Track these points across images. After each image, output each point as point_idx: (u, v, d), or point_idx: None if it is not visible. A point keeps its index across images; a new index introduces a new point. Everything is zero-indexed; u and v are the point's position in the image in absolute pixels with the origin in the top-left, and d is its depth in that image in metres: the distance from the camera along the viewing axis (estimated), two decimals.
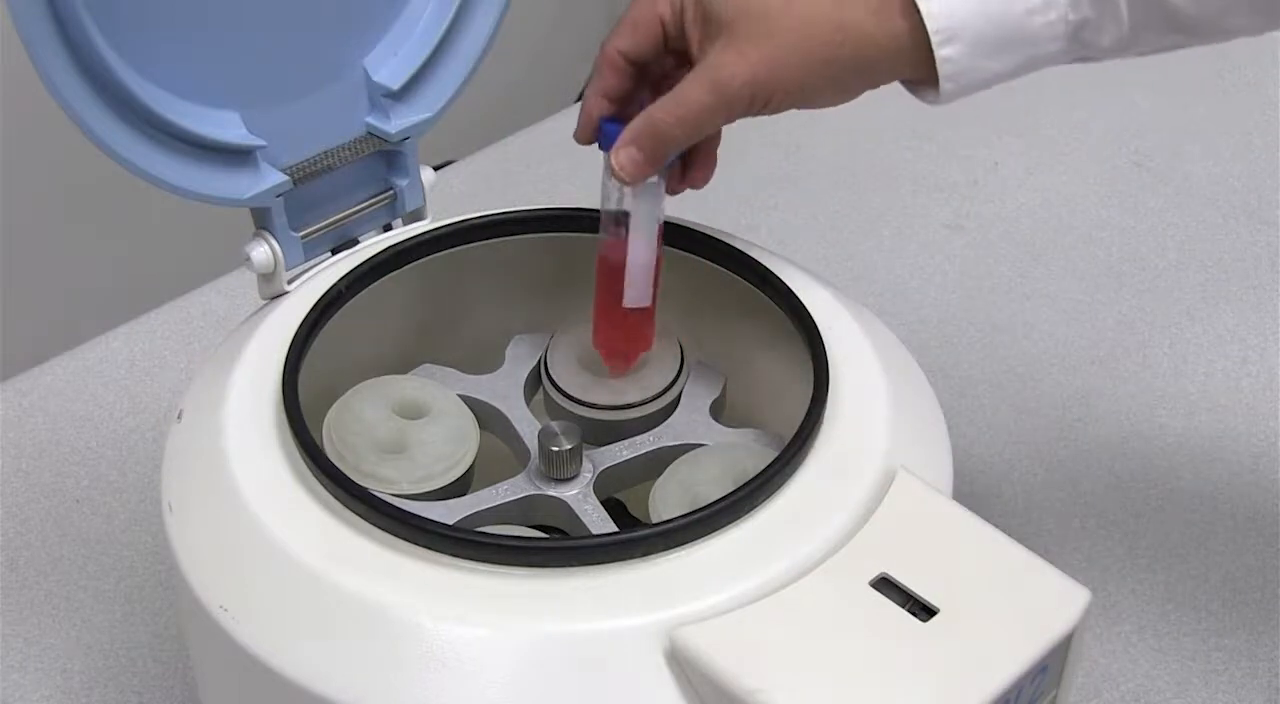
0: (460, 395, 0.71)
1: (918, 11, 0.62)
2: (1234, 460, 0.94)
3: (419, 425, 0.69)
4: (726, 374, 0.72)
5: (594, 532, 0.64)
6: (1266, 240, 1.11)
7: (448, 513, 0.65)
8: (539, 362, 0.73)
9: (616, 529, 0.64)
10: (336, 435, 0.67)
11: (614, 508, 0.69)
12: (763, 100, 0.64)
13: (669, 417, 0.71)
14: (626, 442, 0.69)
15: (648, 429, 0.70)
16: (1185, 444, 0.95)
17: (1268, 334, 1.03)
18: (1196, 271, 1.09)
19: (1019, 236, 1.13)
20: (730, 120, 0.65)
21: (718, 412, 0.71)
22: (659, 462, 0.68)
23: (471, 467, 0.68)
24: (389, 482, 0.66)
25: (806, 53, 0.63)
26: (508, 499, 0.66)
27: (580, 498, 0.66)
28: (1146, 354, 1.02)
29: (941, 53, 0.63)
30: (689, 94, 0.64)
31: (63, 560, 0.88)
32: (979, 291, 1.08)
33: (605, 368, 0.71)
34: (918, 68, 0.64)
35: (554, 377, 0.71)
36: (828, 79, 0.64)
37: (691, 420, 0.70)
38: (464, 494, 0.67)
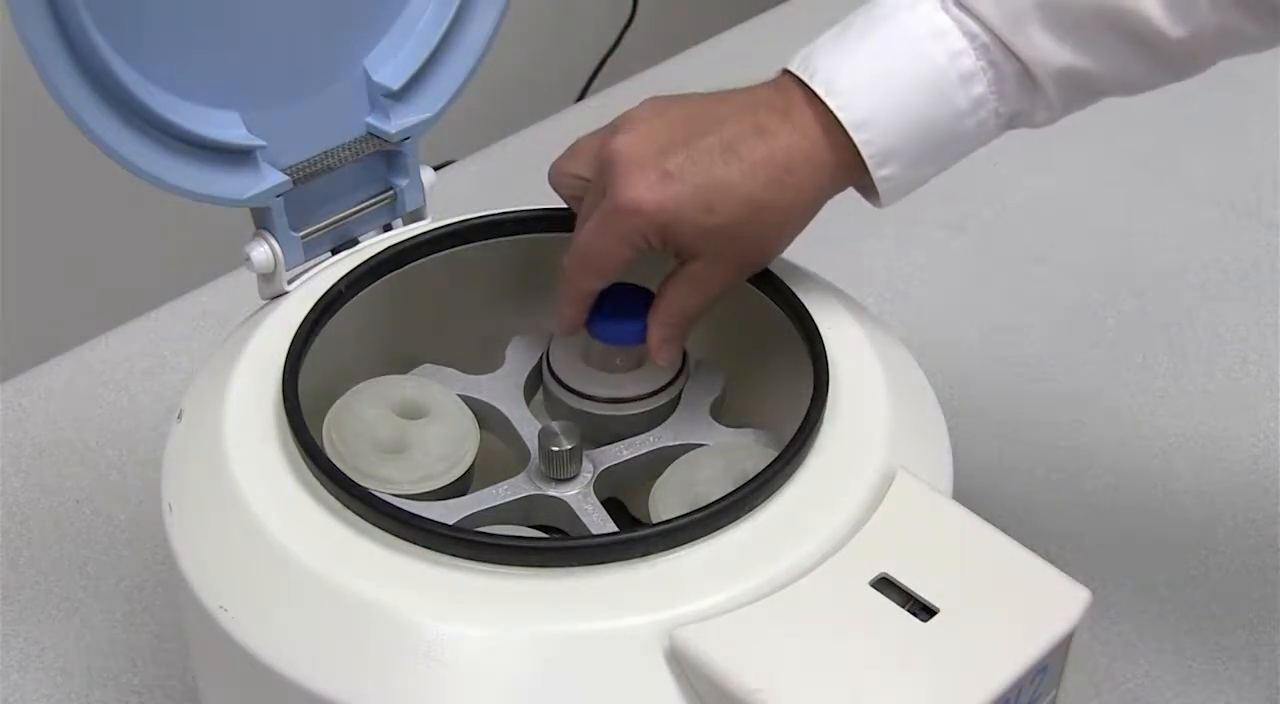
0: (460, 395, 0.71)
1: (853, 141, 0.63)
2: (1234, 460, 0.94)
3: (419, 425, 0.69)
4: (726, 374, 0.72)
5: (594, 532, 0.64)
6: (1266, 240, 1.11)
7: (447, 513, 0.65)
8: (539, 361, 0.73)
9: (616, 529, 0.64)
10: (336, 435, 0.67)
11: (614, 508, 0.69)
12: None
13: (669, 416, 0.71)
14: (626, 442, 0.69)
15: (648, 428, 0.70)
16: (1185, 444, 0.95)
17: (1268, 334, 1.03)
18: (1196, 272, 1.09)
19: (1019, 236, 1.13)
20: None
21: (718, 412, 0.71)
22: (659, 462, 0.68)
23: (472, 467, 0.68)
24: (389, 482, 0.66)
25: (780, 242, 0.67)
26: (508, 499, 0.66)
27: (580, 498, 0.66)
28: (1146, 354, 1.02)
29: (880, 173, 0.64)
30: (686, 301, 0.67)
31: (63, 560, 0.88)
32: (979, 292, 1.08)
33: (607, 365, 0.71)
34: (861, 183, 0.66)
35: (555, 370, 0.71)
36: (794, 235, 0.67)
37: (691, 420, 0.70)
38: (464, 494, 0.67)
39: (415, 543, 0.58)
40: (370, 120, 0.72)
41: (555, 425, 0.66)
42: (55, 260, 1.42)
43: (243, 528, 0.60)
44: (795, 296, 0.68)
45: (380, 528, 0.59)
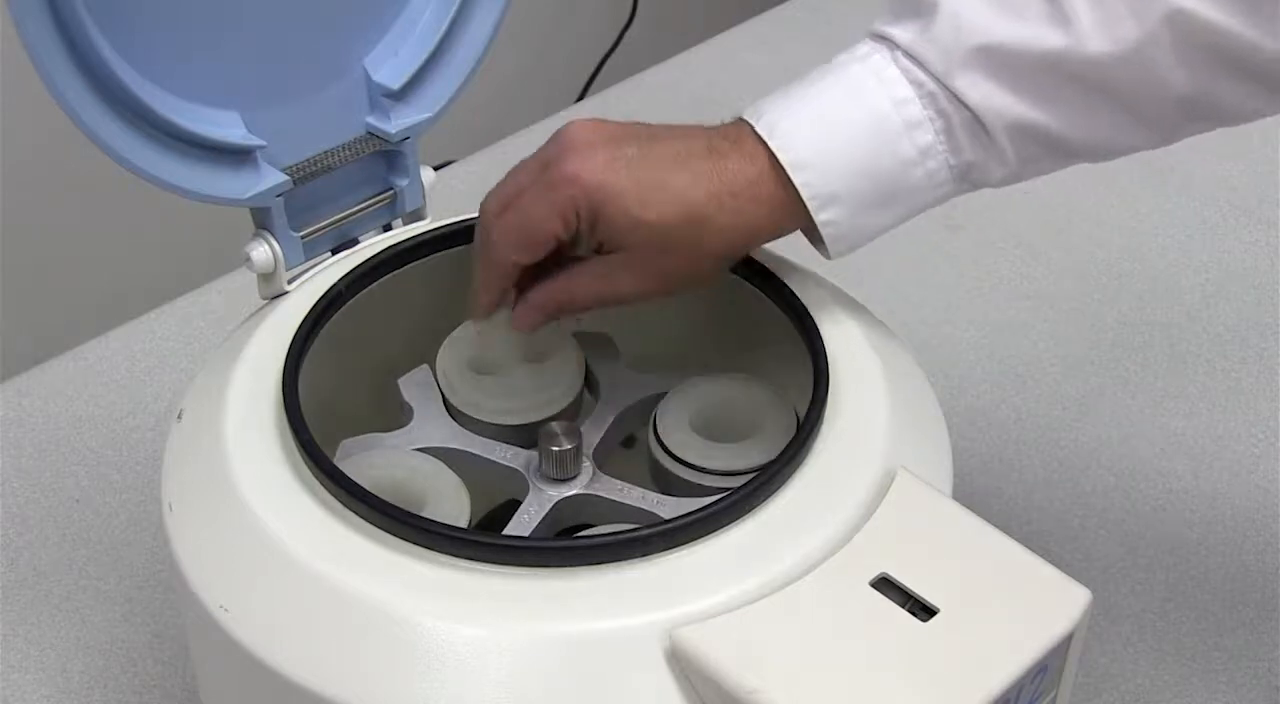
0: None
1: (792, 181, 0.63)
2: (1234, 460, 0.94)
3: (530, 367, 0.71)
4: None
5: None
6: (1266, 240, 1.11)
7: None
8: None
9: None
10: (450, 348, 0.70)
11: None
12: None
13: None
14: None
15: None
16: (1185, 444, 0.95)
17: (1268, 334, 1.03)
18: (1196, 271, 1.09)
19: (1019, 236, 1.13)
20: None
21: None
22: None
23: (555, 417, 0.69)
24: (473, 405, 0.69)
25: (702, 267, 0.65)
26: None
27: (549, 499, 0.66)
28: (1146, 354, 1.02)
29: (821, 217, 0.63)
30: (585, 287, 0.66)
31: (63, 560, 0.88)
32: (979, 291, 1.08)
33: (715, 431, 0.68)
34: (807, 228, 0.65)
35: (666, 443, 0.68)
36: (716, 270, 0.66)
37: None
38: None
39: (415, 543, 0.58)
40: (370, 120, 0.72)
41: (556, 426, 0.66)
42: (55, 260, 1.42)
43: (243, 528, 0.60)
44: (795, 296, 0.68)
45: (380, 528, 0.59)
